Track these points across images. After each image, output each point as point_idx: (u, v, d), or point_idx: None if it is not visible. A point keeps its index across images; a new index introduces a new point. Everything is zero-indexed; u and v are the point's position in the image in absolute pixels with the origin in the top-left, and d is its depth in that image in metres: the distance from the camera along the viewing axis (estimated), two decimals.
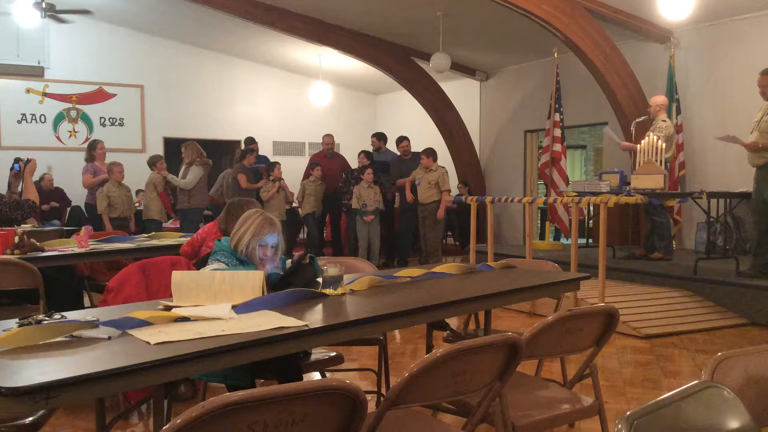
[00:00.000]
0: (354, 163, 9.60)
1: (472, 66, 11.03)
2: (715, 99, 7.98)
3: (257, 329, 2.05)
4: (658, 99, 7.08)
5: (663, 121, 6.93)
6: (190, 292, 2.43)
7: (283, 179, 8.95)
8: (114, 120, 11.16)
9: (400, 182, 9.06)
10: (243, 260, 2.87)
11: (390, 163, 9.31)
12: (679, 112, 8.04)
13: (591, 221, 9.60)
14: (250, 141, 9.72)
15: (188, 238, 5.45)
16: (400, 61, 10.38)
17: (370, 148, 9.73)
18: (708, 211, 6.39)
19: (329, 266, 2.69)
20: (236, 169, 8.94)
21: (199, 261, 3.12)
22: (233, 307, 2.32)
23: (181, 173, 8.31)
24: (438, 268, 3.27)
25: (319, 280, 2.76)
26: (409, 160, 9.10)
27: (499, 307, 5.51)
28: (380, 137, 9.82)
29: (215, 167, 9.63)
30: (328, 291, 2.64)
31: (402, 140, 9.36)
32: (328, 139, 9.85)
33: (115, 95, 11.18)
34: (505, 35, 9.32)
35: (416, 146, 9.75)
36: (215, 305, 2.35)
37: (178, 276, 2.47)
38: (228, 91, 12.14)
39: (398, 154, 9.41)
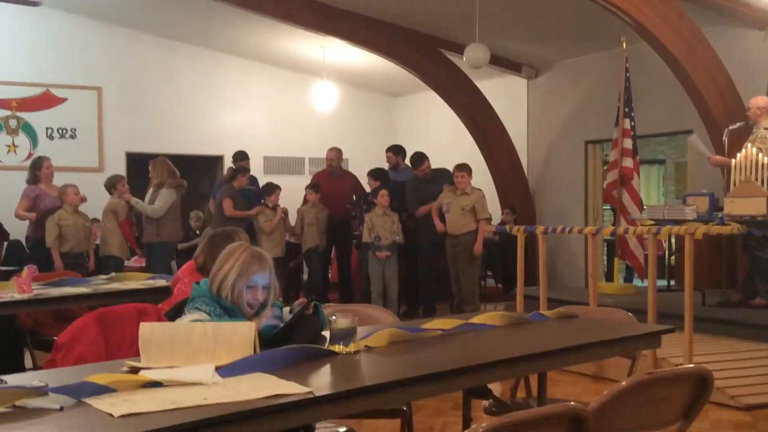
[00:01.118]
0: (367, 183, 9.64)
1: (517, 60, 11.09)
2: None
3: (248, 397, 2.05)
4: (760, 101, 7.06)
5: (766, 129, 6.90)
6: (162, 349, 2.44)
7: (283, 207, 9.02)
8: (64, 131, 11.31)
9: (421, 211, 9.02)
10: (229, 308, 2.89)
11: (405, 185, 9.31)
12: None
13: (673, 257, 9.52)
14: (241, 156, 9.80)
15: (159, 281, 5.50)
16: (425, 54, 10.46)
17: (385, 165, 9.77)
18: None
19: (338, 316, 2.69)
20: (223, 192, 9.02)
21: (172, 309, 3.15)
22: (217, 368, 2.32)
23: (147, 197, 8.39)
24: (476, 319, 3.26)
25: (326, 334, 2.76)
26: (431, 180, 9.09)
27: (557, 369, 5.47)
28: (398, 151, 9.85)
29: (191, 190, 9.70)
30: (337, 348, 2.64)
31: (420, 159, 9.15)
32: (334, 153, 9.89)
33: (65, 100, 11.33)
34: (559, 21, 9.38)
35: (445, 161, 9.77)
36: (194, 366, 2.35)
37: (146, 329, 2.48)
38: (208, 95, 12.27)
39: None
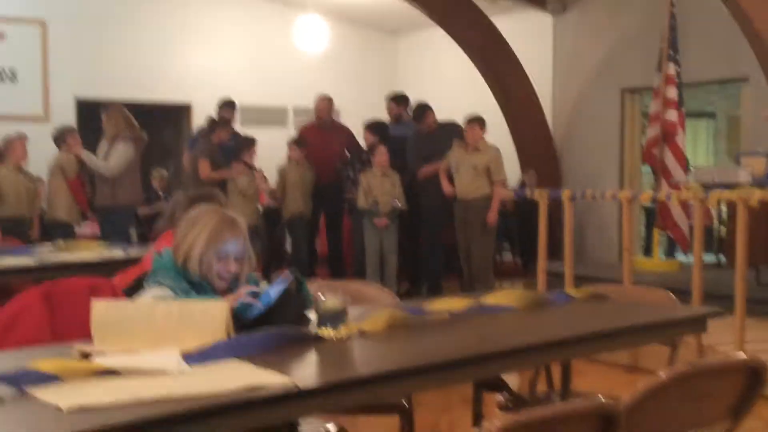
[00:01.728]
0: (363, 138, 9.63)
1: None
2: None
3: (219, 389, 2.06)
4: None
5: None
6: (118, 332, 2.45)
7: (259, 168, 9.01)
8: (2, 73, 11.26)
9: (424, 171, 9.00)
10: (197, 283, 2.90)
11: (407, 141, 9.30)
12: None
13: (723, 228, 9.54)
14: (227, 106, 9.79)
15: (115, 251, 5.52)
16: None
17: (385, 117, 9.73)
18: None
19: (327, 294, 2.70)
20: (199, 149, 9.05)
21: (131, 284, 3.16)
22: (183, 355, 2.33)
23: (101, 153, 8.38)
24: (490, 299, 3.27)
25: (312, 315, 2.77)
26: (437, 136, 9.07)
27: (584, 359, 5.50)
28: (401, 100, 9.83)
29: (153, 144, 9.68)
30: (325, 332, 2.65)
31: (423, 112, 9.16)
32: (323, 102, 9.86)
33: (2, 36, 11.27)
34: None
35: (454, 113, 9.73)
36: (157, 352, 2.36)
37: (100, 308, 2.49)
38: (173, 31, 12.19)
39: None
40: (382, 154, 8.75)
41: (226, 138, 9.22)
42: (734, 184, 6.56)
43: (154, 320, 2.47)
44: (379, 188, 8.72)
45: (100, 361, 2.27)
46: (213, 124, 9.26)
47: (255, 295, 2.79)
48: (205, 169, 8.86)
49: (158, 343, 2.44)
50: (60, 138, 8.43)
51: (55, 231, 7.93)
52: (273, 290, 2.73)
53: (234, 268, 2.94)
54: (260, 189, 9.11)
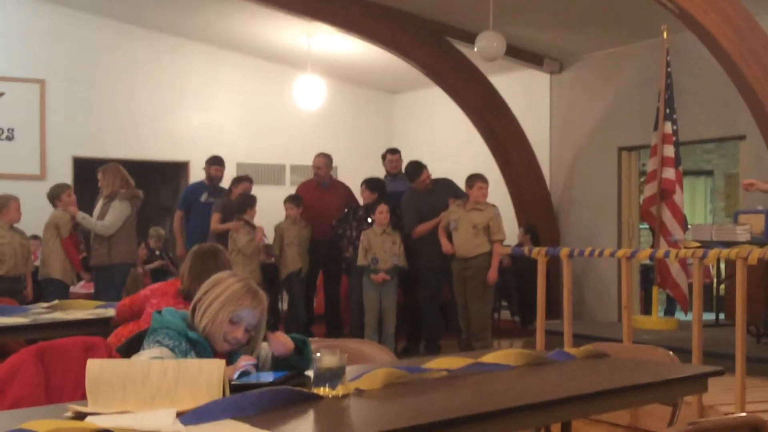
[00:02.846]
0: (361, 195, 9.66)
1: (538, 51, 11.13)
2: None
3: None
4: None
5: None
6: (113, 391, 2.44)
7: (260, 226, 9.06)
8: (0, 132, 11.31)
9: (420, 230, 9.00)
10: (198, 342, 2.92)
11: (402, 197, 9.33)
12: None
13: (722, 286, 9.53)
14: (215, 162, 9.97)
15: (109, 310, 5.50)
16: (429, 43, 10.51)
17: (381, 172, 9.78)
18: None
19: (324, 353, 2.69)
20: (216, 204, 9.29)
21: (126, 343, 3.15)
22: (178, 414, 2.32)
23: (97, 211, 8.39)
24: (488, 357, 3.26)
25: (309, 373, 2.76)
26: (432, 192, 9.09)
27: (584, 419, 5.46)
28: (395, 151, 9.92)
29: (149, 202, 9.72)
30: (322, 391, 2.64)
31: (418, 171, 9.07)
32: (322, 160, 9.90)
33: (1, 94, 11.34)
34: (589, 5, 9.43)
35: (452, 171, 9.78)
36: (152, 412, 2.35)
37: (95, 367, 2.48)
38: (171, 90, 12.28)
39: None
40: (382, 212, 8.75)
41: (248, 189, 9.51)
42: (733, 242, 6.57)
43: (149, 379, 2.46)
44: (380, 246, 8.71)
45: (94, 421, 2.26)
46: (238, 180, 9.45)
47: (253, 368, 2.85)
48: (215, 221, 9.05)
49: (153, 402, 2.42)
50: (55, 196, 8.45)
51: (49, 289, 7.90)
52: (272, 375, 2.78)
53: (242, 336, 2.99)
54: (259, 246, 9.12)
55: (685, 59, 9.18)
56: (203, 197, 9.87)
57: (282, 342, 3.03)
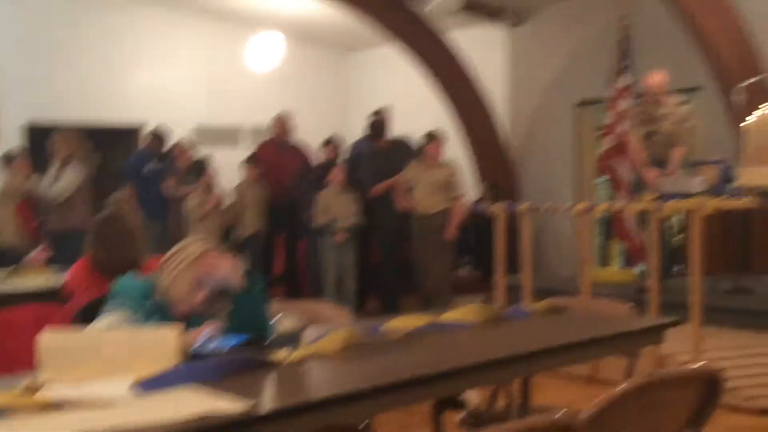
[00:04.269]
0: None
1: (495, 5, 11.08)
2: None
3: (171, 417, 2.03)
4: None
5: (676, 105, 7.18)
6: (67, 362, 2.41)
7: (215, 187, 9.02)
8: None
9: (378, 189, 9.01)
10: (160, 305, 2.91)
11: (362, 158, 9.32)
12: None
13: (679, 237, 9.62)
14: (159, 135, 9.91)
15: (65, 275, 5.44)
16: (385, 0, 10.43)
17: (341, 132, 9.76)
18: None
19: (283, 317, 2.69)
20: (170, 170, 9.32)
21: (83, 310, 3.13)
22: (135, 383, 2.31)
23: (51, 177, 8.30)
24: (446, 316, 3.27)
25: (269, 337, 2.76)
26: (390, 152, 9.08)
27: (543, 373, 5.51)
28: (377, 115, 9.86)
29: (105, 167, 9.63)
30: (281, 355, 2.63)
31: (382, 130, 9.17)
32: (280, 121, 9.85)
33: None
34: None
35: (410, 129, 9.77)
36: (107, 382, 2.33)
37: (48, 338, 2.45)
38: (123, 52, 12.09)
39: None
40: (338, 172, 8.75)
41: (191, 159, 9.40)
42: (689, 193, 6.62)
43: (103, 349, 2.44)
44: (337, 206, 8.71)
45: (48, 393, 2.23)
46: (177, 149, 9.46)
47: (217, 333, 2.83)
48: (170, 186, 9.14)
49: (109, 372, 2.40)
50: (6, 162, 8.34)
51: (4, 257, 7.80)
52: (234, 340, 2.75)
53: (205, 299, 2.97)
54: (213, 210, 9.07)
55: (641, 10, 9.19)
56: (150, 166, 9.78)
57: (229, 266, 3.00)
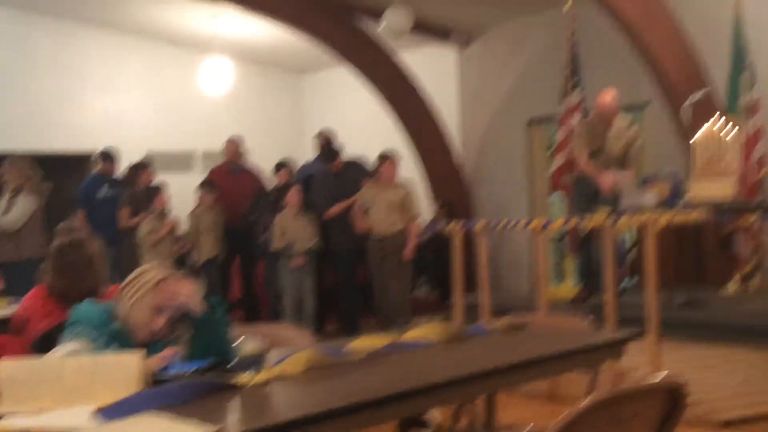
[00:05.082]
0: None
1: (445, 25, 11.16)
2: None
3: None
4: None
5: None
6: (28, 391, 2.38)
7: (170, 212, 8.94)
8: None
9: (333, 211, 8.99)
10: (119, 332, 2.88)
11: (314, 178, 9.32)
12: (753, 83, 8.25)
13: (634, 250, 9.71)
14: (108, 157, 9.75)
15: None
16: (336, 21, 10.45)
17: (296, 155, 9.75)
18: None
19: (245, 340, 2.68)
20: (125, 198, 9.16)
21: (39, 339, 3.08)
22: (96, 412, 2.28)
23: (2, 206, 8.21)
24: (408, 335, 3.27)
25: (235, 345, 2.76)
26: (344, 173, 9.09)
27: (504, 391, 5.52)
28: (328, 136, 9.85)
29: (57, 193, 9.51)
30: (244, 378, 2.61)
31: (335, 153, 9.16)
32: (233, 145, 9.83)
33: None
34: None
35: (363, 149, 9.79)
36: (68, 409, 2.30)
37: (7, 367, 2.43)
38: (74, 78, 12.00)
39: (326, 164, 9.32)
40: (294, 195, 8.74)
41: (149, 182, 9.36)
42: (642, 207, 6.69)
43: (65, 376, 2.41)
44: (294, 229, 8.69)
45: (8, 423, 2.20)
46: (137, 167, 9.29)
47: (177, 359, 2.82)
48: (125, 216, 9.07)
49: (70, 399, 2.37)
50: None
51: None
52: (196, 365, 2.73)
53: (165, 326, 2.95)
54: (168, 237, 9.00)
55: (589, 28, 9.29)
56: (102, 191, 9.67)
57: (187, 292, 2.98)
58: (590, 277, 8.07)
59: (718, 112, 7.58)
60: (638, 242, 8.71)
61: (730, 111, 8.15)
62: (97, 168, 9.84)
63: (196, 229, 9.26)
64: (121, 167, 10.15)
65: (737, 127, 7.58)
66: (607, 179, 7.32)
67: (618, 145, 7.59)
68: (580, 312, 6.16)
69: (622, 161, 7.64)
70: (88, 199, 9.70)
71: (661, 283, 6.26)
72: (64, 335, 2.87)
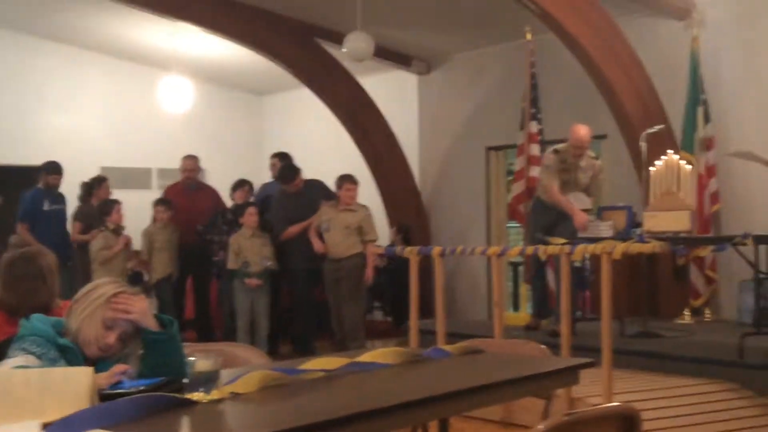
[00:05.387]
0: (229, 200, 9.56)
1: (405, 52, 11.22)
2: (759, 99, 8.36)
3: None
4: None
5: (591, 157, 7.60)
6: None
7: (124, 228, 8.86)
8: None
9: (291, 231, 8.95)
10: (68, 348, 2.83)
11: (272, 198, 9.30)
12: (707, 119, 8.38)
13: (587, 280, 9.77)
14: (54, 170, 9.56)
15: None
16: (297, 44, 10.46)
17: (254, 176, 9.72)
18: (756, 263, 6.63)
19: (198, 357, 2.64)
20: (76, 213, 9.11)
21: None
22: (44, 426, 2.23)
23: None
24: (365, 357, 3.25)
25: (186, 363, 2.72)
26: (302, 194, 9.07)
27: (460, 414, 5.51)
28: (285, 158, 9.79)
29: (8, 208, 9.41)
30: (197, 396, 2.58)
31: (293, 175, 9.06)
32: (190, 162, 9.78)
33: None
34: (455, 7, 9.55)
35: (321, 171, 9.77)
36: (14, 425, 2.26)
37: None
38: (29, 92, 11.89)
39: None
40: (251, 215, 8.71)
41: (106, 196, 9.36)
42: (598, 237, 6.75)
43: (12, 390, 2.35)
44: (250, 249, 8.66)
45: None
46: (91, 184, 9.21)
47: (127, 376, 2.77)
48: (77, 230, 9.10)
49: (16, 414, 2.32)
50: None
51: None
52: (146, 382, 2.69)
53: (114, 342, 2.90)
54: (121, 253, 8.90)
55: (549, 60, 9.40)
56: (46, 205, 9.50)
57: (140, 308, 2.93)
58: (543, 305, 8.13)
59: (673, 147, 7.71)
60: (594, 272, 8.78)
61: (685, 146, 8.28)
62: (41, 181, 9.61)
63: (150, 247, 9.18)
64: (72, 181, 9.98)
65: (692, 163, 7.72)
66: (582, 216, 7.37)
67: (586, 176, 7.67)
68: (535, 339, 6.18)
69: (586, 191, 7.72)
70: (33, 213, 9.49)
71: (615, 313, 6.31)
72: (11, 349, 2.81)
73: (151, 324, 2.92)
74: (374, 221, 8.79)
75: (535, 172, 8.80)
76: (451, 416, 3.36)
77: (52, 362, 2.75)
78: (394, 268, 9.90)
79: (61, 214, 9.43)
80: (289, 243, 8.98)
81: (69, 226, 9.67)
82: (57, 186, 9.60)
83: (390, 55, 11.01)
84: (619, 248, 5.87)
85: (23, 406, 2.34)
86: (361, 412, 2.50)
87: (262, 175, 11.43)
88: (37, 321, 2.89)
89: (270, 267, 8.74)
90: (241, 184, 9.57)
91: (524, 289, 9.38)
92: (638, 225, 7.18)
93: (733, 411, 6.05)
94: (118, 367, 2.78)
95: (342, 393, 2.81)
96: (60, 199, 9.60)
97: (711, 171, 8.38)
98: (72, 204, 9.81)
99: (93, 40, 11.80)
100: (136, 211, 9.99)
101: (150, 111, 12.36)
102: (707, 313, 8.40)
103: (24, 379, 2.39)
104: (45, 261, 3.86)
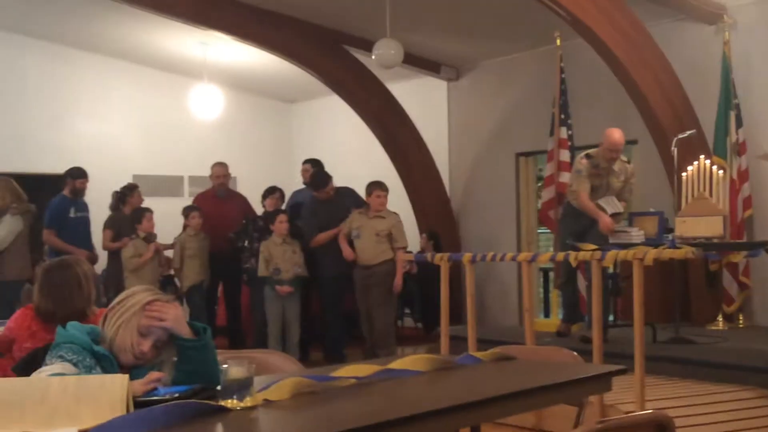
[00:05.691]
0: (259, 207, 9.59)
1: (435, 59, 11.22)
2: None
3: None
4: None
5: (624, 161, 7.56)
6: (10, 411, 2.35)
7: (156, 236, 8.91)
8: None
9: (320, 239, 8.96)
10: (104, 356, 2.85)
11: (303, 207, 9.31)
12: (739, 124, 8.32)
13: (620, 286, 9.72)
14: (80, 174, 9.53)
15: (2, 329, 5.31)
16: (327, 52, 10.49)
17: (285, 183, 9.75)
18: None
19: (232, 364, 2.65)
20: (108, 221, 9.20)
21: (22, 361, 3.05)
22: None
23: None
24: (396, 364, 3.24)
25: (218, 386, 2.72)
26: (333, 201, 9.08)
27: (491, 422, 5.50)
28: (317, 164, 9.81)
29: (42, 216, 9.46)
30: (230, 403, 2.59)
31: (324, 182, 9.03)
32: (220, 169, 9.82)
33: None
34: (483, 13, 9.54)
35: (351, 179, 9.78)
36: (51, 431, 2.27)
37: None
38: (63, 101, 12.00)
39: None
40: (281, 222, 8.73)
41: (138, 204, 9.42)
42: (629, 244, 6.72)
43: (48, 397, 2.37)
44: (281, 256, 8.67)
45: None
46: (124, 192, 9.37)
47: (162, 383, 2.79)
48: (107, 238, 9.12)
49: (53, 421, 2.34)
50: None
51: None
52: (180, 389, 2.71)
53: (149, 350, 2.92)
54: (154, 261, 8.96)
55: (579, 66, 9.37)
56: (71, 212, 9.53)
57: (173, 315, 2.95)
58: (574, 310, 8.09)
59: (705, 152, 7.66)
60: (624, 278, 8.73)
61: (718, 151, 8.23)
62: (67, 188, 9.58)
63: (181, 255, 9.23)
64: (103, 189, 10.03)
65: (724, 168, 7.67)
66: (606, 219, 7.32)
67: (619, 181, 7.61)
68: (566, 345, 6.16)
69: (618, 195, 7.66)
70: (60, 219, 9.47)
71: (647, 320, 6.27)
72: (48, 357, 2.84)
73: (185, 331, 2.94)
74: (404, 228, 8.78)
75: (564, 177, 8.77)
76: (483, 423, 3.35)
77: (88, 369, 2.78)
78: (424, 275, 9.90)
79: (86, 222, 9.47)
80: (319, 250, 9.00)
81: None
82: (84, 190, 9.54)
83: (419, 61, 11.02)
84: (651, 254, 5.82)
85: (60, 413, 2.36)
86: (393, 419, 2.50)
87: (291, 183, 11.47)
88: (73, 329, 2.92)
89: (300, 274, 8.76)
90: (272, 191, 9.59)
91: (554, 295, 9.34)
92: (670, 231, 7.14)
93: (767, 418, 5.99)
94: (153, 375, 2.80)
95: (374, 400, 2.81)
96: (84, 206, 9.64)
97: (743, 176, 8.32)
98: (102, 212, 9.84)
99: (125, 49, 11.90)
100: (169, 219, 10.04)
101: (181, 119, 12.44)
102: (740, 320, 8.35)
103: (61, 387, 2.40)
104: (81, 269, 3.90)
